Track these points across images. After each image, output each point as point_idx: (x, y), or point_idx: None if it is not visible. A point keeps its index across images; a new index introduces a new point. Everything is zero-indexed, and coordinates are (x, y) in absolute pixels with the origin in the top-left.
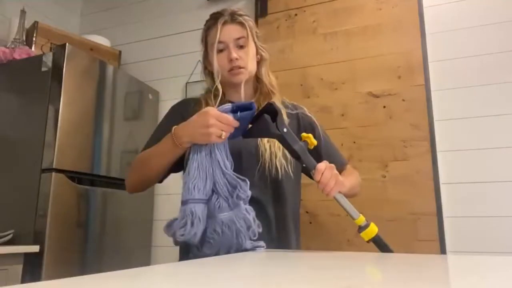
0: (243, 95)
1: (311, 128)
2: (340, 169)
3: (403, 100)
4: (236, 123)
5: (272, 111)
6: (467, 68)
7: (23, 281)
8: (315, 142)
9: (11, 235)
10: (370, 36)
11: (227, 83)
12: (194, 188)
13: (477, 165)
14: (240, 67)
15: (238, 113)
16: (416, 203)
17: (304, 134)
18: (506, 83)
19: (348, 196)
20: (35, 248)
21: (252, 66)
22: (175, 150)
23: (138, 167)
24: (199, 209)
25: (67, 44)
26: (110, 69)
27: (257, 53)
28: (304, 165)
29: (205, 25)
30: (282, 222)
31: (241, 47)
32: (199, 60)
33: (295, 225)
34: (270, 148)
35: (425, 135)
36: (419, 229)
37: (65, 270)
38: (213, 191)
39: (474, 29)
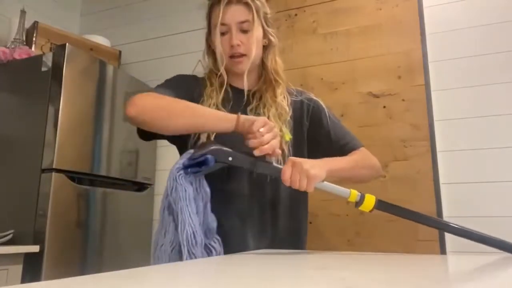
0: (246, 85)
1: (318, 113)
2: (350, 152)
3: (403, 100)
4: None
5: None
6: (467, 68)
7: (23, 281)
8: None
9: (11, 235)
10: (370, 36)
11: (229, 69)
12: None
13: (477, 165)
14: (241, 55)
15: (189, 170)
16: (416, 203)
17: None
18: (506, 83)
19: (349, 178)
20: (35, 248)
21: (255, 53)
22: (224, 124)
23: (160, 109)
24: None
25: (67, 44)
26: (110, 69)
27: (265, 37)
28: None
29: (209, 0)
30: (278, 224)
31: (244, 31)
32: (199, 60)
33: (297, 229)
34: None
35: (425, 135)
36: (419, 229)
37: (65, 270)
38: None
39: (474, 29)
